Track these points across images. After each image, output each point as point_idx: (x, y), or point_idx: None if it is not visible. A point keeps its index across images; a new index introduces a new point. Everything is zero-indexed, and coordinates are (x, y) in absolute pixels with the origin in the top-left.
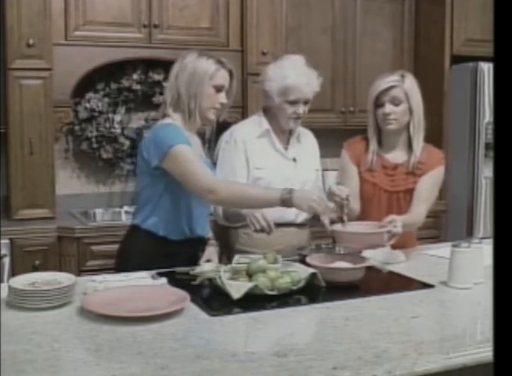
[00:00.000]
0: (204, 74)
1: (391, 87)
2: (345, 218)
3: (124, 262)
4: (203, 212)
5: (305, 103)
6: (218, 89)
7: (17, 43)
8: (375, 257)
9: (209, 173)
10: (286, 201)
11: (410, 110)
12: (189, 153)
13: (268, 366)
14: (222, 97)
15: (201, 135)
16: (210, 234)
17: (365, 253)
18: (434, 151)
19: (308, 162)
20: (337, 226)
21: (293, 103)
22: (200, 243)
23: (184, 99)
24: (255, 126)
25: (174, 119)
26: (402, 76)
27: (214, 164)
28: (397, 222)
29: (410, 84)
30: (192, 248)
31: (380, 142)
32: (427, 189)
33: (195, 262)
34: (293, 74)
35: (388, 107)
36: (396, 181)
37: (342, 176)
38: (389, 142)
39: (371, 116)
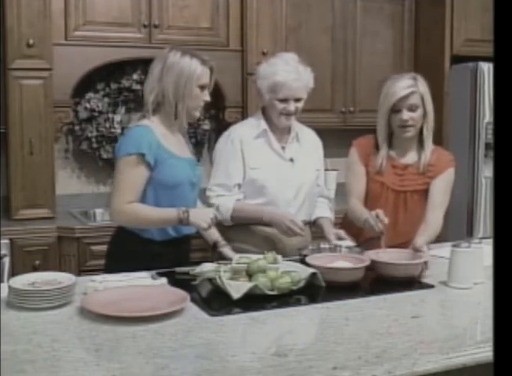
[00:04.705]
0: (192, 76)
1: (410, 93)
2: (383, 244)
3: (112, 263)
4: None
5: (297, 100)
6: (203, 88)
7: (17, 43)
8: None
9: (130, 194)
10: (183, 220)
11: (425, 114)
12: (129, 167)
13: (268, 366)
14: (206, 95)
15: (201, 134)
16: (218, 236)
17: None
18: (443, 153)
19: (307, 162)
20: (372, 254)
21: (283, 100)
22: (188, 242)
23: (171, 101)
24: (253, 126)
25: (152, 121)
26: (415, 79)
27: (197, 162)
28: (423, 248)
29: (424, 88)
30: (180, 248)
31: (390, 145)
32: (440, 193)
33: (184, 261)
34: (282, 71)
35: (406, 114)
36: (405, 180)
37: (349, 175)
38: (402, 146)
39: (384, 121)
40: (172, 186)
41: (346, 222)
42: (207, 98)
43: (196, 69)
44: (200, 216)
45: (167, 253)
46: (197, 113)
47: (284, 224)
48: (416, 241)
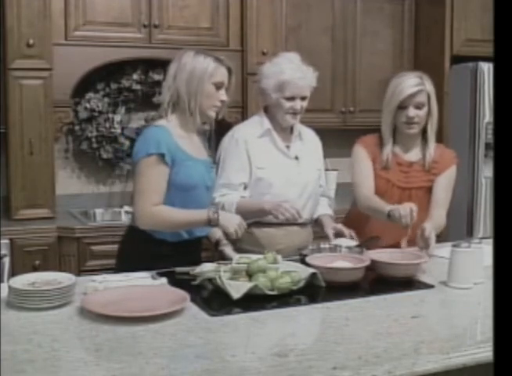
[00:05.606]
0: (204, 73)
1: (418, 91)
2: (404, 244)
3: (123, 263)
4: None
5: (302, 98)
6: (218, 87)
7: (17, 43)
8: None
9: (156, 196)
10: (212, 221)
11: (429, 112)
12: (151, 168)
13: (268, 366)
14: (222, 94)
15: (202, 133)
16: (220, 234)
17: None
18: (446, 151)
19: (311, 161)
20: (374, 255)
21: (290, 98)
22: (199, 244)
23: (184, 99)
24: (257, 126)
25: (170, 120)
26: (421, 78)
27: (214, 163)
28: (432, 234)
29: (430, 86)
30: (191, 250)
31: (395, 142)
32: (443, 190)
33: (195, 263)
34: (288, 69)
35: (412, 111)
36: (410, 178)
37: (357, 171)
38: (405, 143)
39: (390, 118)
40: (187, 188)
41: (347, 221)
42: (224, 97)
43: (208, 66)
44: (229, 219)
45: (179, 254)
46: (213, 113)
47: (280, 206)
48: (426, 227)
